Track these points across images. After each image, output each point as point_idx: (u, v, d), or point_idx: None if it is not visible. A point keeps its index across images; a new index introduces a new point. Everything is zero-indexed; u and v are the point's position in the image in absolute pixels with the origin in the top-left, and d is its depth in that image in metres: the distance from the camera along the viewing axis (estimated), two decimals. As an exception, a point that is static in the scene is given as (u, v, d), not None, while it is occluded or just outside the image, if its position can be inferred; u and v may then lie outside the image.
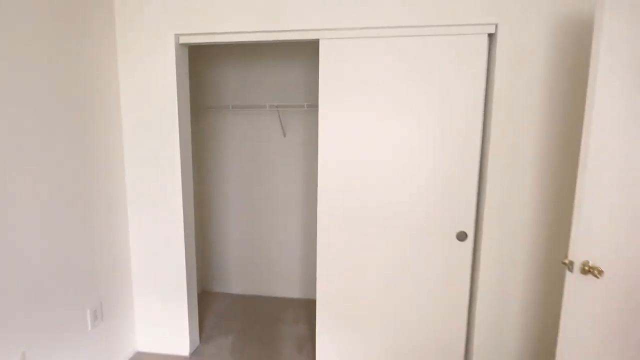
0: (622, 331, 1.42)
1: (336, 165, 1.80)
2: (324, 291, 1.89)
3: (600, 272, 1.29)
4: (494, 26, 1.60)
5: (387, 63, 1.70)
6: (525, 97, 1.61)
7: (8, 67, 1.30)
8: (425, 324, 1.84)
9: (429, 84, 1.68)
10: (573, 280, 1.33)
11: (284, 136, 2.64)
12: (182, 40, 1.84)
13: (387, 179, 1.77)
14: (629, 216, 1.33)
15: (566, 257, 1.37)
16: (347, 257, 1.85)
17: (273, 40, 1.78)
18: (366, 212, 1.80)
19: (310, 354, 2.06)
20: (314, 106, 2.44)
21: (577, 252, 1.31)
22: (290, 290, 2.81)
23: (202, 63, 2.68)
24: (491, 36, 1.64)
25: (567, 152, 1.62)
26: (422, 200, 1.75)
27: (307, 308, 2.63)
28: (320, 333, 1.93)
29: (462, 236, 1.73)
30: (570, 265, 1.32)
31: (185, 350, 2.04)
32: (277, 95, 2.61)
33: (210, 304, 2.68)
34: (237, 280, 2.87)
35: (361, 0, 1.66)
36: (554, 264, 1.69)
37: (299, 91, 2.60)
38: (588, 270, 1.30)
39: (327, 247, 1.86)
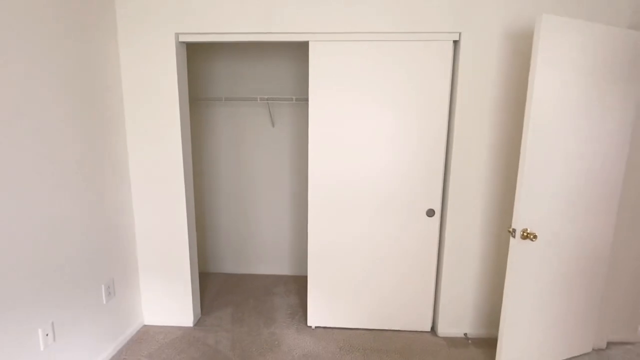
0: (552, 280, 1.81)
1: (324, 153, 2.05)
2: (315, 263, 2.17)
3: (535, 236, 1.65)
4: (458, 34, 1.89)
5: (369, 63, 1.95)
6: (482, 93, 1.92)
7: (12, 66, 1.42)
8: (402, 286, 2.17)
9: (404, 81, 1.95)
10: (515, 244, 1.68)
11: (273, 126, 2.85)
12: (182, 38, 1.99)
13: (369, 164, 2.05)
14: (553, 192, 1.69)
15: (510, 226, 1.72)
16: (335, 233, 2.13)
17: (267, 41, 1.97)
18: (351, 193, 2.08)
19: (302, 319, 2.35)
20: (302, 99, 2.66)
21: (518, 222, 1.65)
22: (281, 268, 3.08)
23: (195, 56, 2.81)
24: (456, 43, 1.92)
25: (513, 140, 1.95)
26: (399, 183, 2.05)
27: (296, 283, 2.91)
28: (311, 298, 2.22)
29: (431, 213, 2.06)
30: (513, 232, 1.67)
31: (189, 322, 2.27)
32: (267, 88, 2.80)
33: (207, 283, 2.90)
34: (230, 262, 3.10)
35: (346, 8, 1.88)
36: (502, 232, 2.05)
37: (287, 84, 2.80)
38: (526, 235, 1.66)
39: (318, 226, 2.13)
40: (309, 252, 2.16)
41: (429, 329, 2.23)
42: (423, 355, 1.99)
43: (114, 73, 1.95)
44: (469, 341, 2.13)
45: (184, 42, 2.04)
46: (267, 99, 2.72)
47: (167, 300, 2.25)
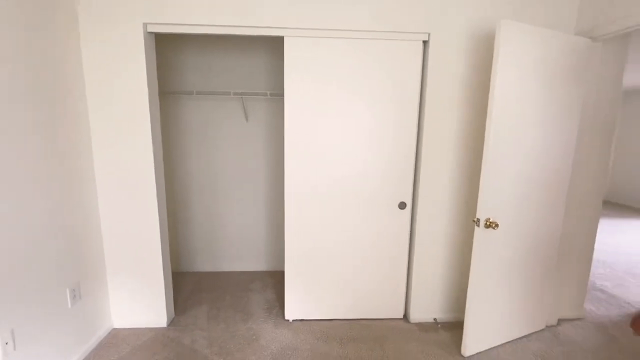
0: (511, 264, 1.97)
1: (300, 149, 2.08)
2: (292, 257, 2.20)
3: (497, 225, 1.78)
4: (427, 35, 1.98)
5: (345, 61, 1.99)
6: (450, 92, 2.04)
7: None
8: (377, 276, 2.26)
9: (379, 80, 2.02)
10: (480, 233, 1.81)
11: (247, 121, 2.82)
12: (150, 29, 1.91)
13: (344, 160, 2.10)
14: (512, 185, 1.84)
15: (475, 216, 1.85)
16: (311, 227, 2.17)
17: (241, 35, 1.95)
18: (327, 188, 2.12)
19: (279, 314, 2.37)
20: (276, 94, 2.65)
21: (482, 212, 1.78)
22: (257, 264, 3.07)
23: (164, 46, 2.70)
24: (425, 43, 2.02)
25: (478, 136, 2.10)
26: (372, 178, 2.12)
27: (273, 278, 2.92)
28: (289, 292, 2.24)
29: (403, 205, 2.16)
30: (477, 222, 1.80)
31: (162, 322, 2.20)
32: (240, 82, 2.77)
33: (180, 282, 2.83)
34: (205, 260, 3.04)
35: (322, 5, 1.91)
36: (468, 222, 2.19)
37: (262, 79, 2.78)
38: (489, 224, 1.79)
39: (294, 222, 2.15)
40: (286, 246, 2.19)
41: (401, 316, 2.34)
42: (396, 341, 2.09)
43: (75, 68, 1.83)
44: (439, 325, 2.27)
45: (152, 33, 1.96)
46: (241, 94, 2.68)
47: (139, 302, 2.17)
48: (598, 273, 3.14)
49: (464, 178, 2.14)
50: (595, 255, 3.58)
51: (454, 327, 2.25)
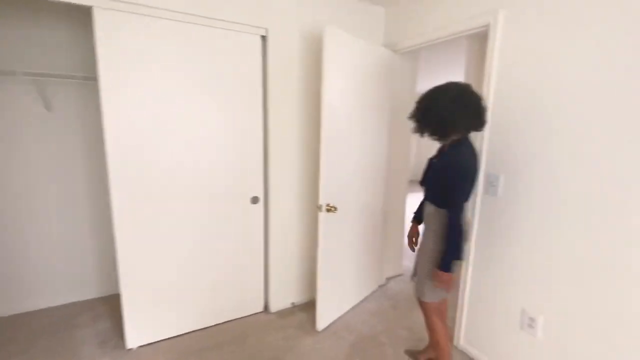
0: (350, 240, 2.26)
1: (127, 145, 1.75)
2: (128, 275, 1.85)
3: (336, 208, 2.01)
4: (265, 30, 2.01)
5: (173, 46, 1.78)
6: (290, 88, 2.15)
7: None
8: (233, 274, 2.19)
9: (220, 71, 1.91)
10: (322, 217, 1.99)
11: (48, 111, 2.17)
12: None
13: (185, 156, 1.91)
14: (345, 172, 2.11)
15: (318, 202, 2.03)
16: (149, 234, 1.88)
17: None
18: (165, 188, 1.88)
19: (119, 344, 1.97)
20: (90, 78, 2.13)
21: (323, 198, 1.97)
22: (84, 292, 2.45)
23: None
24: (264, 38, 2.04)
25: (318, 130, 2.30)
26: (221, 175, 2.02)
27: (106, 304, 2.41)
28: (128, 316, 1.89)
29: (255, 200, 2.15)
30: (320, 207, 1.98)
31: None
32: (38, 60, 2.08)
33: (-56, 343, 1.94)
34: (1, 301, 2.20)
35: (140, -23, 1.63)
36: (313, 209, 2.40)
37: (71, 58, 2.17)
38: (329, 209, 2.00)
39: (127, 231, 1.81)
40: (120, 262, 1.82)
41: (262, 309, 2.36)
42: (258, 335, 2.10)
43: None
44: (296, 308, 2.42)
45: None
46: (37, 75, 2.03)
47: None
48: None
49: (310, 169, 2.32)
50: (406, 221, 4.62)
51: (309, 306, 2.44)
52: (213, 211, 2.04)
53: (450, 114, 1.40)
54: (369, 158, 2.34)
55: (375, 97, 2.30)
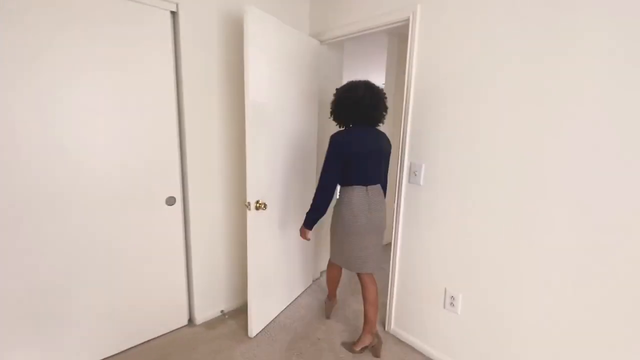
0: (282, 237, 2.16)
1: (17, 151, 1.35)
2: (11, 301, 1.45)
3: (265, 205, 1.88)
4: (175, 5, 1.75)
5: (58, 15, 1.41)
6: (209, 74, 1.93)
7: None
8: (150, 288, 1.89)
9: (122, 53, 1.59)
10: (252, 215, 1.85)
11: None
12: None
13: (89, 156, 1.56)
14: (273, 165, 1.99)
15: (246, 200, 1.87)
16: (38, 250, 1.50)
17: None
18: (68, 196, 1.51)
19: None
20: None
21: (251, 195, 1.82)
22: None
23: None
24: (175, 15, 1.78)
25: (241, 120, 2.13)
26: (129, 175, 1.71)
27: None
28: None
29: (171, 201, 1.89)
30: (249, 205, 1.83)
31: None
32: None
33: None
34: None
35: None
36: (240, 207, 2.23)
37: None
38: (259, 206, 1.86)
39: (8, 247, 1.41)
40: (-15, 292, 1.41)
41: (187, 322, 2.12)
42: (182, 353, 1.87)
43: None
44: (226, 316, 2.23)
45: None
46: None
47: None
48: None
49: (235, 163, 2.14)
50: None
51: (241, 311, 2.28)
52: (118, 218, 1.72)
53: (335, 106, 1.76)
54: (299, 150, 2.26)
55: (304, 87, 2.22)
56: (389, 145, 1.83)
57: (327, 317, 2.26)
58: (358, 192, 1.71)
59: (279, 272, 2.21)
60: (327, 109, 2.46)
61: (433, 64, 1.71)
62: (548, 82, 1.33)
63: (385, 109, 1.74)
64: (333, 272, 2.10)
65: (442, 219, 1.76)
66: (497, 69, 1.47)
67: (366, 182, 1.72)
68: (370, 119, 1.70)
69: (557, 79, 1.31)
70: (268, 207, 1.96)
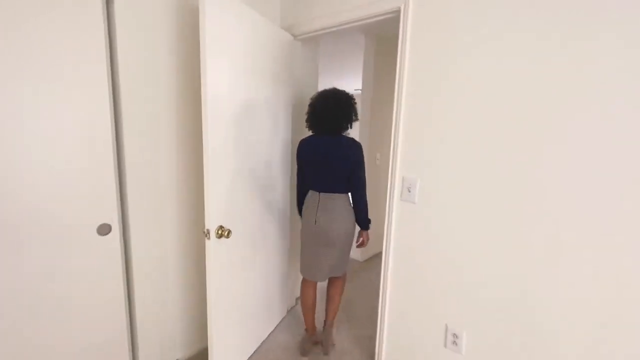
0: (252, 265, 1.81)
1: None
2: None
3: (230, 232, 1.52)
4: (108, -20, 1.36)
5: None
6: (156, 64, 1.54)
7: None
8: (80, 346, 1.44)
9: (40, 44, 1.17)
10: (212, 245, 1.48)
11: None
12: None
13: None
14: (239, 184, 1.65)
15: (205, 226, 1.50)
16: None
17: None
18: None
19: None
20: None
21: (212, 220, 1.46)
22: None
23: None
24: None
25: (200, 127, 1.75)
26: (41, 198, 1.27)
27: None
28: None
29: (105, 229, 1.46)
30: (207, 234, 1.46)
31: None
32: None
33: None
34: None
35: None
36: (198, 237, 1.84)
37: None
38: (221, 233, 1.50)
39: None
40: None
41: (130, 379, 1.68)
42: None
43: None
44: (182, 366, 1.83)
45: None
46: None
47: None
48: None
49: (193, 180, 1.75)
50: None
51: (201, 356, 1.88)
52: (25, 256, 1.27)
53: (307, 113, 1.79)
54: (271, 158, 1.92)
55: (278, 89, 1.89)
56: (353, 153, 1.68)
57: (303, 353, 1.93)
58: (310, 197, 1.80)
59: (247, 308, 1.84)
60: (303, 114, 2.18)
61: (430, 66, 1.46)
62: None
63: (345, 117, 1.70)
64: (306, 294, 1.92)
65: (442, 242, 1.50)
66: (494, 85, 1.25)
67: (319, 188, 1.74)
68: (326, 128, 1.70)
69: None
70: (234, 233, 1.59)
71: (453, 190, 1.44)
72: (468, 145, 1.38)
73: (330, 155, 1.69)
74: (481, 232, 1.38)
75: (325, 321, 2.04)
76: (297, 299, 2.55)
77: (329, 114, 1.67)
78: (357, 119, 1.76)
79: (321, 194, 1.74)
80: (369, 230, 1.88)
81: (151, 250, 1.63)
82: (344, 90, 1.74)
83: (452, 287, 1.49)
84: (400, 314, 1.69)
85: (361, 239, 1.89)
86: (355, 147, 1.69)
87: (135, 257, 1.58)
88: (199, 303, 1.89)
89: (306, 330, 2.00)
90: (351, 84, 5.21)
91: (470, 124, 1.36)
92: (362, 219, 1.79)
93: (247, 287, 1.81)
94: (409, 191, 1.57)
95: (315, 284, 1.91)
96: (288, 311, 2.39)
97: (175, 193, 1.69)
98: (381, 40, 3.09)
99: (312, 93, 2.28)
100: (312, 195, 1.78)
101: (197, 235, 1.81)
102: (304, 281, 1.92)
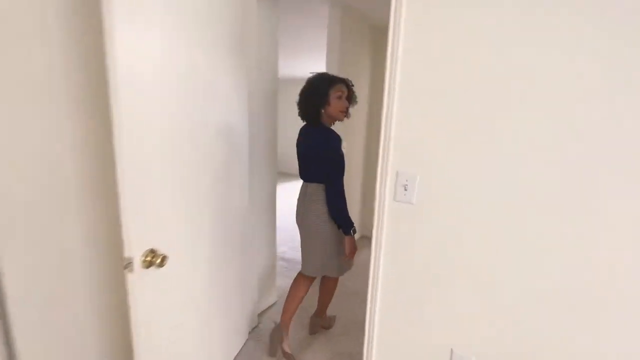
0: (201, 293, 1.37)
1: None
2: None
3: (165, 257, 1.07)
4: None
5: None
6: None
7: None
8: None
9: None
10: (137, 279, 1.02)
11: None
12: None
13: None
14: (177, 192, 1.18)
15: (123, 253, 1.02)
16: None
17: None
18: None
19: None
20: None
21: (135, 247, 0.99)
22: None
23: None
24: None
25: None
26: None
27: None
28: None
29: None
30: (130, 264, 0.99)
31: None
32: None
33: None
34: None
35: None
36: (119, 274, 1.32)
37: None
38: (151, 261, 1.03)
39: None
40: None
41: None
42: None
43: None
44: None
45: None
46: None
47: None
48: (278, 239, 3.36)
49: (96, 207, 1.23)
50: (279, 222, 3.92)
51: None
52: None
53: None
54: (220, 150, 1.46)
55: (227, 63, 1.42)
56: (317, 144, 1.59)
57: (271, 354, 1.78)
58: (301, 188, 1.74)
59: (195, 343, 1.40)
60: (261, 95, 1.81)
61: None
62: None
63: (311, 104, 1.59)
64: (295, 283, 1.80)
65: (448, 251, 1.20)
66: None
67: (303, 178, 1.71)
68: (301, 117, 1.67)
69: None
70: (170, 258, 1.12)
71: (462, 187, 1.13)
72: (495, 129, 1.07)
73: (303, 145, 1.67)
74: (499, 237, 1.10)
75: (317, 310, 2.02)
76: (259, 315, 2.14)
77: (300, 103, 1.66)
78: (355, 102, 1.69)
79: (303, 183, 1.72)
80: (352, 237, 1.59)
81: (38, 280, 1.10)
82: (319, 74, 1.65)
83: (458, 308, 1.20)
84: (394, 336, 1.39)
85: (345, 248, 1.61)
86: (322, 138, 1.57)
87: (14, 301, 1.04)
88: (126, 342, 1.41)
89: (277, 323, 1.79)
90: (311, 65, 4.77)
91: (501, 99, 1.04)
92: (336, 218, 1.60)
93: (192, 319, 1.37)
94: (405, 190, 1.24)
95: (308, 278, 1.75)
96: (250, 332, 1.99)
97: (83, 204, 1.16)
98: (348, 10, 2.70)
99: (272, 65, 1.88)
100: (301, 185, 1.76)
101: (115, 258, 1.31)
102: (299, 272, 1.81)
